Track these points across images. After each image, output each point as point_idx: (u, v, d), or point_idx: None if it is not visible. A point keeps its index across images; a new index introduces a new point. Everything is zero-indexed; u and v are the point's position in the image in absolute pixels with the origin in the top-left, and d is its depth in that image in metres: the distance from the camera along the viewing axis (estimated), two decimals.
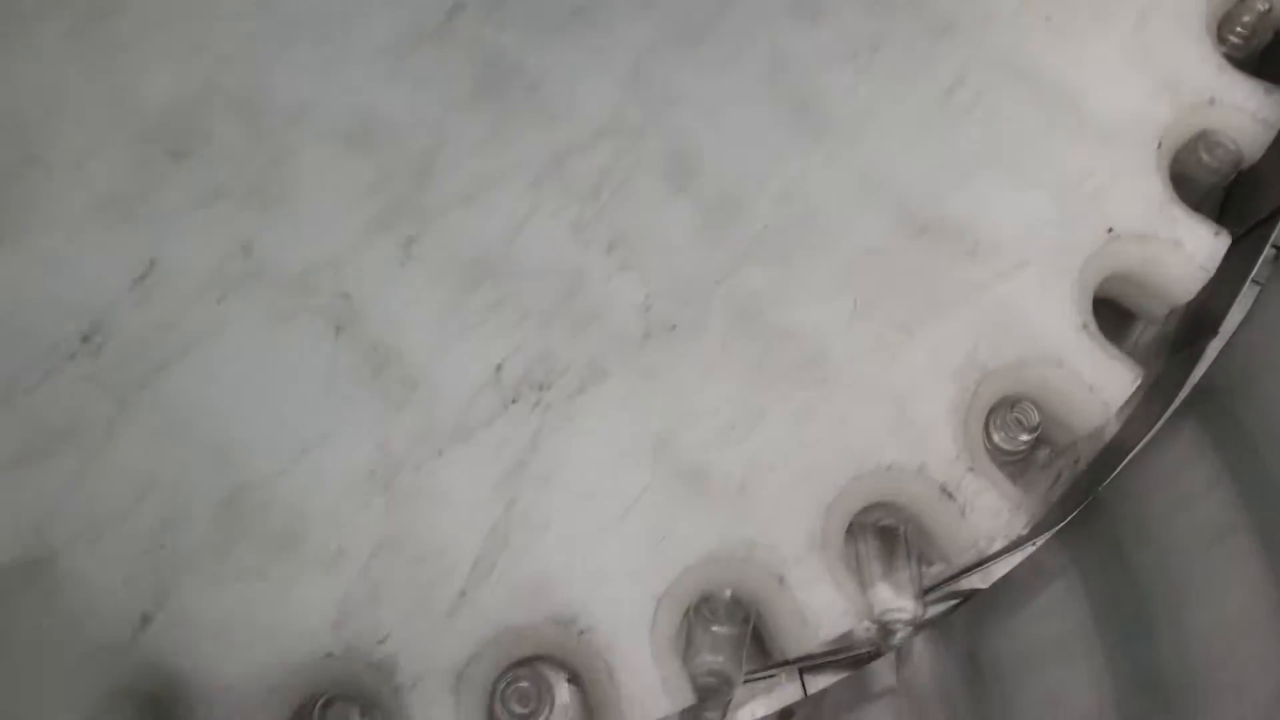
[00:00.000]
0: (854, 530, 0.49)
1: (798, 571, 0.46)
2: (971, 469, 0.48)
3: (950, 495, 0.48)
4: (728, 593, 0.47)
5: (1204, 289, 0.51)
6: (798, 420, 0.48)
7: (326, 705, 0.43)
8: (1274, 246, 0.50)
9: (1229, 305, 0.52)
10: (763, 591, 0.46)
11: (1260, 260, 0.50)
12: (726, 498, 0.47)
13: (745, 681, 0.47)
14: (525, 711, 0.44)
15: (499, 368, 0.48)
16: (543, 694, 0.44)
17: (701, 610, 0.47)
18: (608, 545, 0.46)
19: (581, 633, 0.45)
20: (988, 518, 0.48)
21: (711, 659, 0.47)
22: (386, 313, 0.48)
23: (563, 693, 0.46)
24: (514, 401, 0.48)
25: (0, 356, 0.46)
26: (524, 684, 0.44)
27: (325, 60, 0.52)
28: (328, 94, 0.51)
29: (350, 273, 0.49)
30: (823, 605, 0.46)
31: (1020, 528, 0.51)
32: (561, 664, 0.45)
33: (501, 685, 0.44)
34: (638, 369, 0.49)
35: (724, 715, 0.48)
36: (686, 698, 0.45)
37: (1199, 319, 0.54)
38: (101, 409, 0.46)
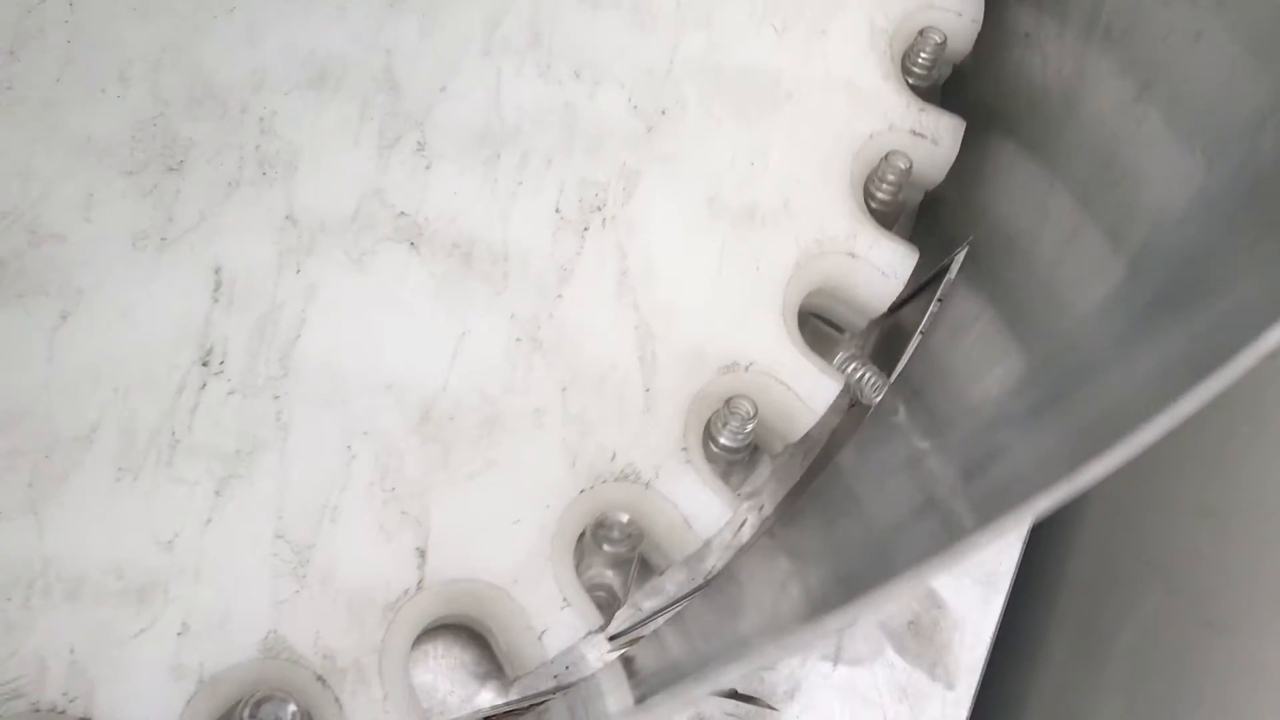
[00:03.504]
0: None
1: (860, 242, 0.52)
2: (922, 110, 0.56)
3: (921, 135, 0.56)
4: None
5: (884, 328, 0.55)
6: (793, 132, 0.52)
7: (600, 524, 0.46)
8: (939, 300, 0.54)
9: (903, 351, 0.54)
10: (841, 265, 0.52)
11: (928, 314, 0.54)
12: (779, 216, 0.51)
13: None
14: (742, 435, 0.48)
15: (557, 210, 0.49)
16: (749, 408, 0.47)
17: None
18: (726, 292, 0.48)
19: (747, 368, 0.49)
20: (950, 134, 0.56)
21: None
22: (443, 212, 0.47)
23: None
24: (586, 229, 0.49)
25: (144, 416, 0.43)
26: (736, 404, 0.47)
27: (247, 28, 0.48)
28: (269, 55, 0.48)
29: (392, 194, 0.47)
30: (889, 255, 0.53)
31: None
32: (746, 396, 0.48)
33: (717, 417, 0.47)
34: (658, 158, 0.50)
35: None
36: (839, 382, 0.51)
37: (887, 339, 0.57)
38: (262, 410, 0.43)
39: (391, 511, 0.43)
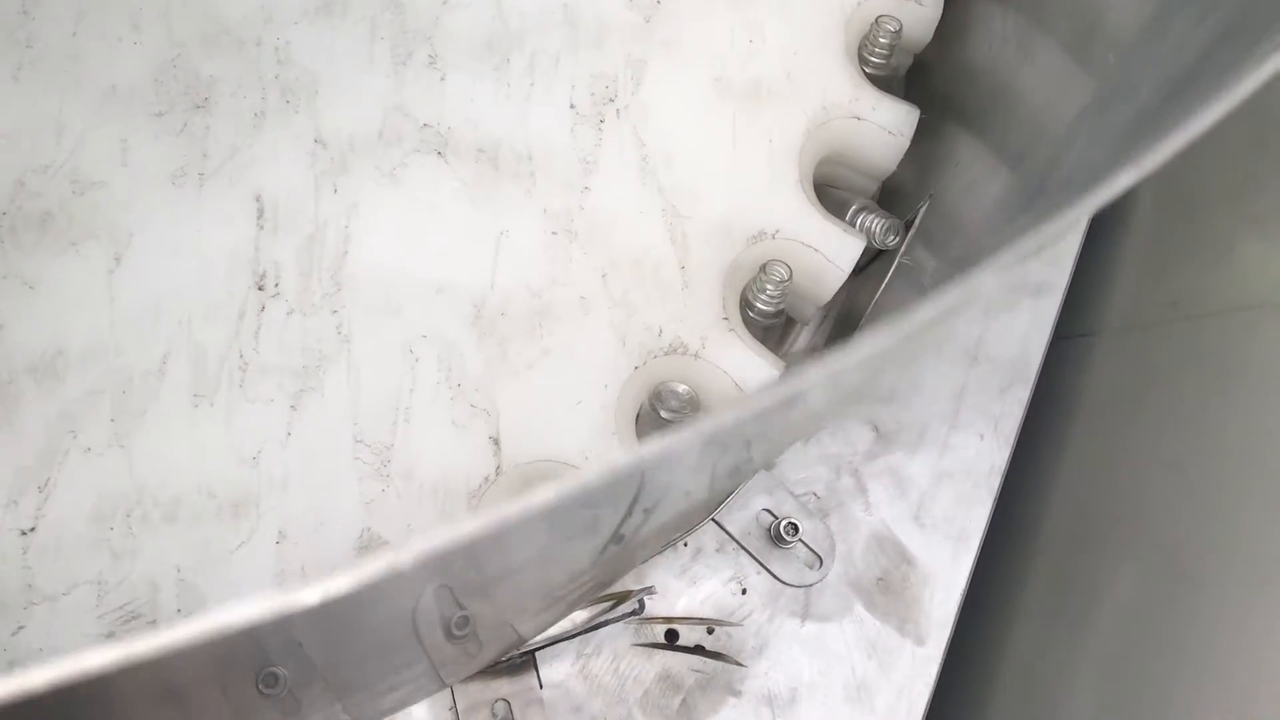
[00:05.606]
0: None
1: (863, 105, 0.53)
2: None
3: None
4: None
5: (846, 296, 0.53)
6: (785, 6, 0.51)
7: (657, 395, 0.47)
8: (904, 259, 0.52)
9: (866, 308, 0.53)
10: (848, 128, 0.53)
11: (891, 269, 0.52)
12: (784, 88, 0.52)
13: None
14: (778, 297, 0.49)
15: (571, 106, 0.50)
16: (784, 271, 0.47)
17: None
18: (744, 166, 0.49)
19: (774, 236, 0.50)
20: None
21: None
22: (464, 119, 0.47)
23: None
24: (602, 121, 0.50)
25: (211, 344, 0.43)
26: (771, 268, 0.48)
27: None
28: None
29: (413, 107, 0.47)
30: (892, 114, 0.54)
31: None
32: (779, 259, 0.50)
33: (752, 284, 0.48)
34: (660, 44, 0.50)
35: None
36: (862, 240, 0.52)
37: (842, 324, 0.56)
38: (322, 326, 0.43)
39: (461, 406, 0.44)
